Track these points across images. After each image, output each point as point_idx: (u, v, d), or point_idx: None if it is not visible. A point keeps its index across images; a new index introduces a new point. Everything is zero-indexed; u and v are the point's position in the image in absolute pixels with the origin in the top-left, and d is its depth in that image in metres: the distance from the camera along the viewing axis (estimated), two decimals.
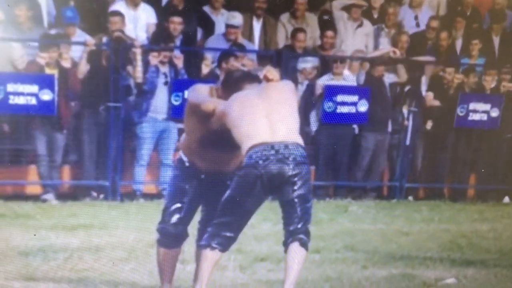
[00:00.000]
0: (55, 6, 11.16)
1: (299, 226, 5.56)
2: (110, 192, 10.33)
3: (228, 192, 5.57)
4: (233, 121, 5.57)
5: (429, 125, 11.81)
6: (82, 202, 10.12)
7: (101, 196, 10.37)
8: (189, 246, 6.09)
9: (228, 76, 6.01)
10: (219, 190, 5.74)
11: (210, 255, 5.55)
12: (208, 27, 11.66)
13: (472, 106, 11.70)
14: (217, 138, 5.73)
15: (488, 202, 11.69)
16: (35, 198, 10.01)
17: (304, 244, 5.59)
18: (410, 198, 11.69)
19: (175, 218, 5.91)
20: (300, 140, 5.60)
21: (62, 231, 8.19)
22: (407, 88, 11.71)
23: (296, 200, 5.54)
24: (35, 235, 7.85)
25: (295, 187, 5.52)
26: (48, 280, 6.55)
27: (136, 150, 10.56)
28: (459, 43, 12.73)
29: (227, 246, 5.60)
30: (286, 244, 5.61)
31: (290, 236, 5.59)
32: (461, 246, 8.51)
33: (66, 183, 10.50)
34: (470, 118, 11.72)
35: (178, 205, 5.91)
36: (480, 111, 11.73)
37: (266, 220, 8.38)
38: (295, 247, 5.57)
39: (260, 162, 5.45)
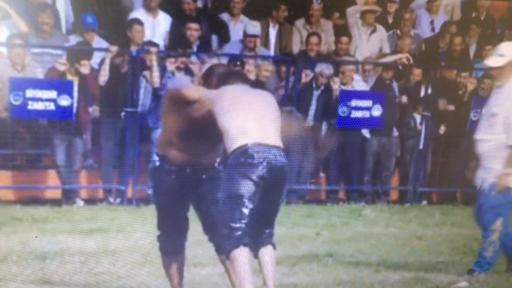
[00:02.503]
0: (74, 13, 11.28)
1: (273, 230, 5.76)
2: (126, 197, 10.43)
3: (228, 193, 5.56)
4: (221, 111, 5.54)
5: (442, 129, 11.83)
6: (98, 206, 10.21)
7: (118, 200, 10.47)
8: (203, 250, 6.13)
9: (210, 70, 5.92)
10: (195, 186, 5.76)
11: (239, 256, 5.55)
12: (224, 34, 11.73)
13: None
14: (194, 128, 5.68)
15: None
16: (53, 202, 10.08)
17: (274, 246, 5.76)
18: (424, 202, 11.72)
19: (162, 227, 5.98)
20: (282, 145, 5.63)
21: (79, 235, 8.27)
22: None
23: (280, 203, 5.72)
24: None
25: (282, 190, 5.65)
26: (65, 284, 6.62)
27: (151, 155, 10.58)
28: (472, 48, 12.74)
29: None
30: (259, 247, 5.67)
31: (267, 238, 5.72)
32: (473, 249, 8.44)
33: (84, 187, 10.62)
34: None
35: (160, 213, 5.94)
36: None
37: (280, 224, 8.38)
38: (269, 249, 5.71)
39: (265, 163, 5.48)
